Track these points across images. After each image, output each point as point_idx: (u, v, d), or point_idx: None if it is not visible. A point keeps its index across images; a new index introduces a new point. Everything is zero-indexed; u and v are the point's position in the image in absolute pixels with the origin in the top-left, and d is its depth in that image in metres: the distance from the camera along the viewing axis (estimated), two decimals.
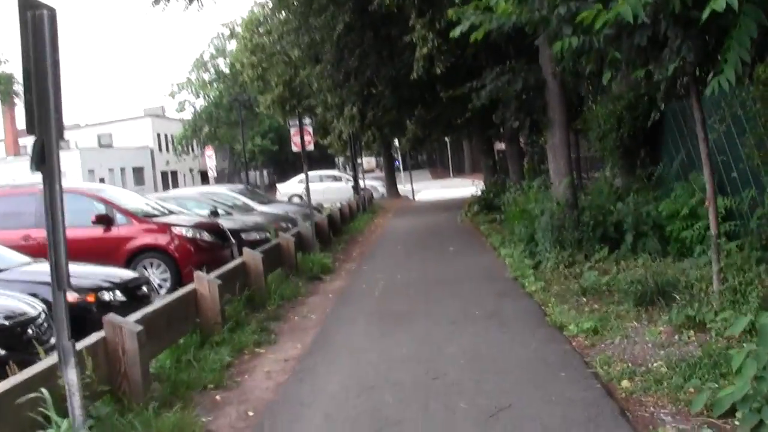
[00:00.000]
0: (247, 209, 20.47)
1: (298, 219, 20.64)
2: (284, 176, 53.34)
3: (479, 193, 23.65)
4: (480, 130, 25.34)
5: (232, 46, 49.93)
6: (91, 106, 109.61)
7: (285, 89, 32.44)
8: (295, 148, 31.81)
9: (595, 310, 8.39)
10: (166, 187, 62.54)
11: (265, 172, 78.69)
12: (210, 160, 49.31)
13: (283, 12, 19.45)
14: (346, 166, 50.14)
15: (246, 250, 11.55)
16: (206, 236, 13.96)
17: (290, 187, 38.11)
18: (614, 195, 12.78)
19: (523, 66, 12.53)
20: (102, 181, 55.89)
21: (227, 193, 22.77)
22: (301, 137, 15.61)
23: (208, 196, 20.50)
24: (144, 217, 13.65)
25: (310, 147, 31.84)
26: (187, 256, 13.15)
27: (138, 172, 63.85)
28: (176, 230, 13.55)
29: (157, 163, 67.50)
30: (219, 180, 67.29)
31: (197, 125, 61.97)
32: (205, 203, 18.98)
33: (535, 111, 12.42)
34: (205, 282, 8.81)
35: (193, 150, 68.13)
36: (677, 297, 7.88)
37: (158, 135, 69.64)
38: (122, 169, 60.74)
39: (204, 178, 58.46)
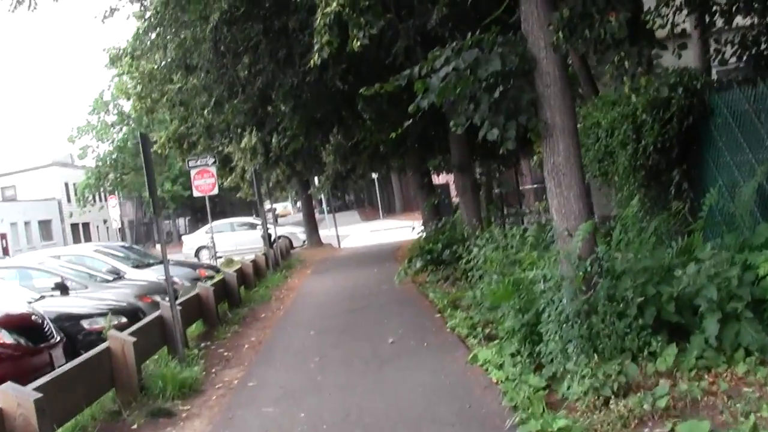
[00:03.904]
0: (112, 278, 15.19)
1: (185, 285, 15.93)
2: (201, 225, 47.84)
3: (420, 237, 18.24)
4: (418, 158, 19.91)
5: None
6: None
7: (181, 123, 27.21)
8: (197, 193, 27.15)
9: None
10: (77, 240, 58.14)
11: (180, 221, 72.55)
12: (114, 210, 44.21)
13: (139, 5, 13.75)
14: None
15: (6, 388, 6.23)
16: (5, 337, 9.07)
17: (197, 239, 33.79)
18: (660, 247, 7.68)
19: (495, 38, 7.25)
20: (3, 237, 51.15)
21: (92, 255, 17.86)
22: (150, 180, 9.98)
23: (63, 263, 15.50)
24: None
25: (214, 191, 27.15)
26: None
27: (45, 225, 59.75)
28: None
29: (67, 215, 62.42)
30: (129, 231, 62.53)
31: (101, 172, 56.08)
32: (57, 273, 14.00)
33: (522, 110, 7.10)
34: None
35: (102, 199, 62.36)
36: None
37: (66, 185, 64.74)
38: (26, 223, 56.36)
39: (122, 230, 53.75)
